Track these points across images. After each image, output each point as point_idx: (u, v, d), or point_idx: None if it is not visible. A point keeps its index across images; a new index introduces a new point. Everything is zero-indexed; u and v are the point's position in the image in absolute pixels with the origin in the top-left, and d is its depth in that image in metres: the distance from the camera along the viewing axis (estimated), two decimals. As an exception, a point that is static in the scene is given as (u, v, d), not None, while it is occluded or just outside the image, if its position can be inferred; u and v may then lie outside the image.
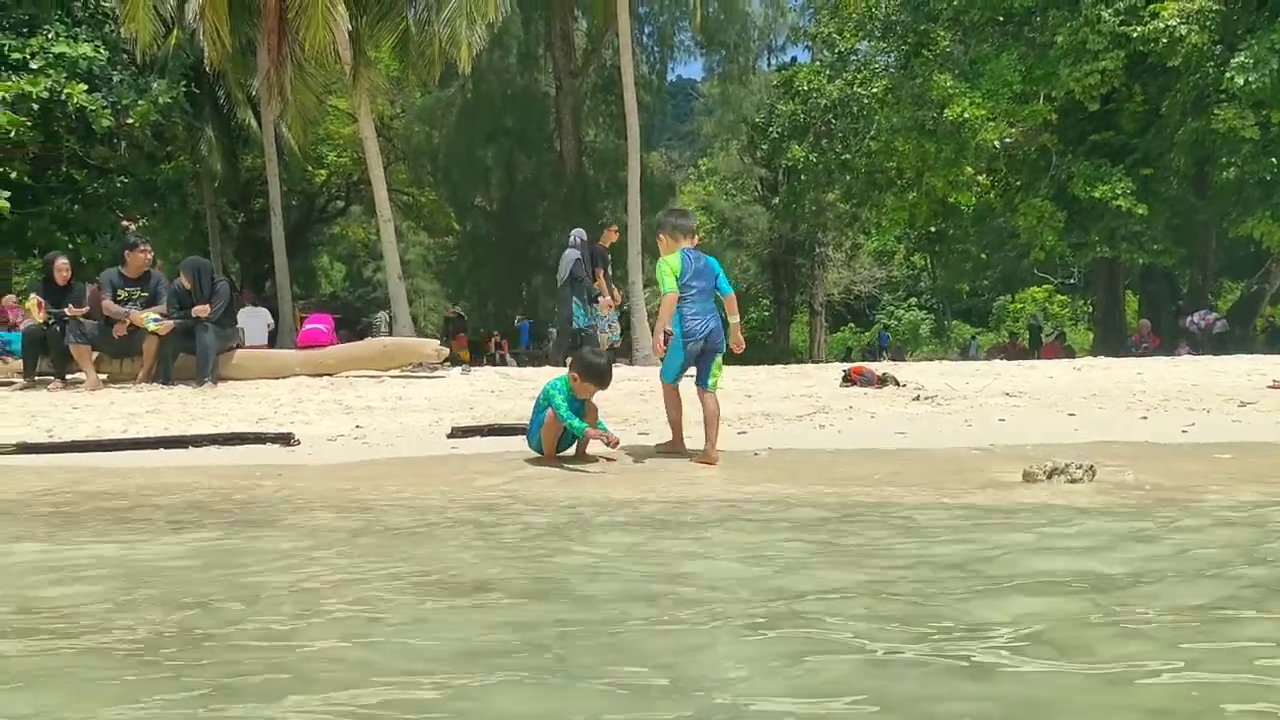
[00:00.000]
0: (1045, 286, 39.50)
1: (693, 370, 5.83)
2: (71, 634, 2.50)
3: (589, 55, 28.98)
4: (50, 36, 16.50)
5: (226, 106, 22.93)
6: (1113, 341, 22.32)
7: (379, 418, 7.67)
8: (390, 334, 19.91)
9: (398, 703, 2.00)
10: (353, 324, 24.44)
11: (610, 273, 14.00)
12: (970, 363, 16.23)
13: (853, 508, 4.05)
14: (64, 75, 16.02)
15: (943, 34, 23.02)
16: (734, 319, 6.02)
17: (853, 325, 45.14)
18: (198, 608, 2.71)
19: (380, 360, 10.98)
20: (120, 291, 10.20)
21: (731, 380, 9.36)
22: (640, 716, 1.88)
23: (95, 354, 10.03)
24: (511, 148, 31.22)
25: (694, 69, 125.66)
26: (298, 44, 17.10)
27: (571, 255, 12.90)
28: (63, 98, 15.85)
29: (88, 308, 10.17)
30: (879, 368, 10.60)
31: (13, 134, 15.43)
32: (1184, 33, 17.98)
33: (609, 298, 13.27)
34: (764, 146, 31.19)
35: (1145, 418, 6.83)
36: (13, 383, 10.22)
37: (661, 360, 5.86)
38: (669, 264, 5.76)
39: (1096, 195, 19.24)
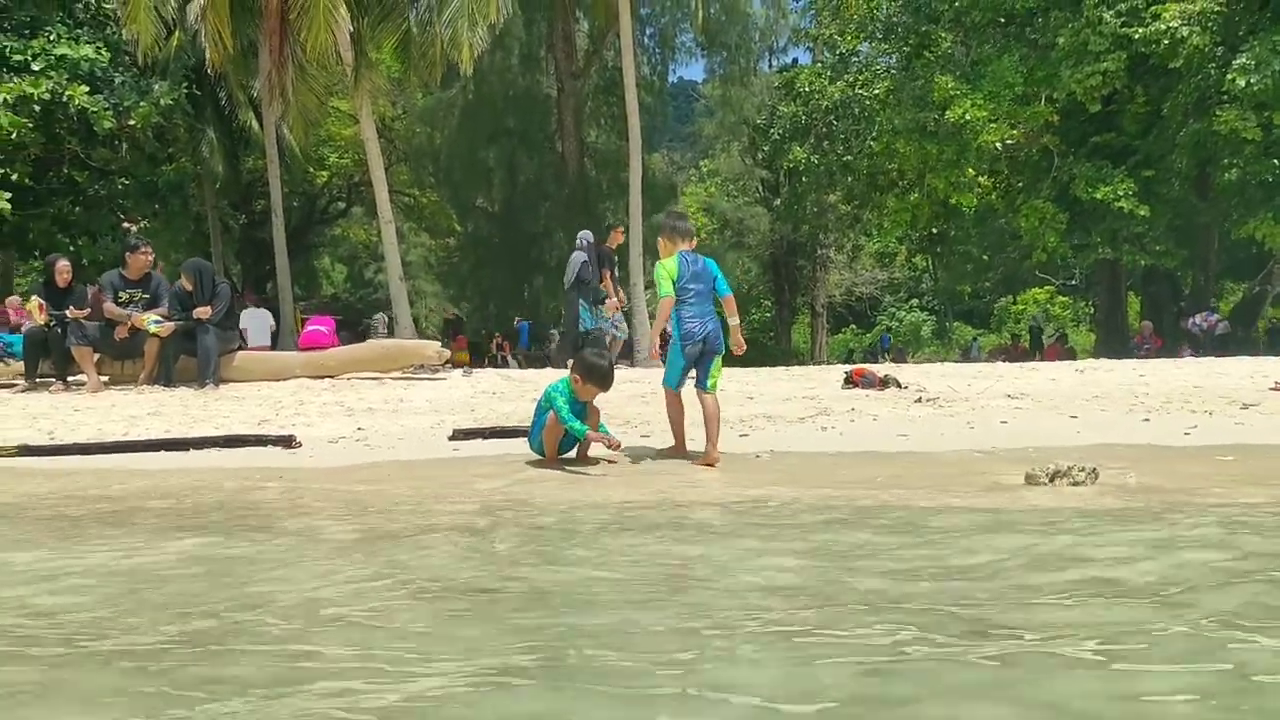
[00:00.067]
0: (1047, 288, 39.47)
1: (693, 372, 5.84)
2: (73, 643, 2.49)
3: (590, 56, 28.99)
4: (52, 38, 16.51)
5: (228, 108, 22.95)
6: (1115, 343, 22.31)
7: (380, 420, 7.67)
8: (388, 335, 19.93)
9: (401, 707, 1.99)
10: (354, 325, 24.45)
11: (617, 274, 13.98)
12: (972, 364, 16.22)
13: (861, 511, 4.03)
14: (66, 77, 16.03)
15: (944, 35, 23.02)
16: (733, 320, 6.03)
17: (854, 327, 45.14)
18: (199, 616, 2.70)
19: (381, 362, 10.98)
20: (121, 293, 10.19)
21: (733, 382, 9.36)
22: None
23: (96, 356, 10.02)
24: (513, 149, 31.21)
25: (695, 70, 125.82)
26: (299, 45, 17.11)
27: (579, 258, 12.88)
28: (64, 99, 15.86)
29: (89, 310, 10.16)
30: (881, 369, 10.58)
31: (14, 135, 15.44)
32: (1186, 34, 17.97)
33: (615, 299, 13.25)
34: (765, 148, 31.18)
35: (1147, 420, 6.82)
36: (14, 385, 10.21)
37: (661, 362, 5.87)
38: (666, 267, 5.77)
39: (1098, 197, 19.22)
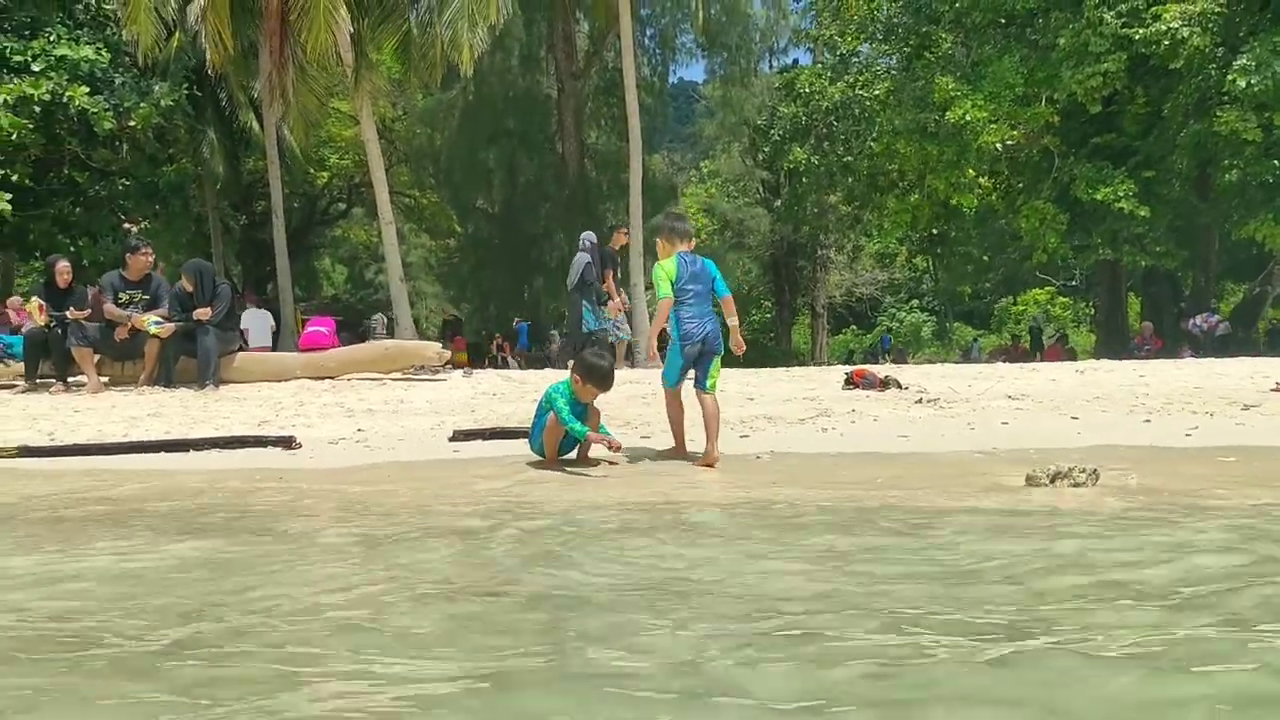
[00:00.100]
0: (1047, 289, 39.48)
1: (693, 373, 5.84)
2: (73, 647, 2.48)
3: (591, 57, 28.99)
4: (52, 39, 16.51)
5: (228, 109, 22.96)
6: (1115, 344, 22.30)
7: (380, 421, 7.66)
8: (387, 336, 19.94)
9: (403, 709, 1.99)
10: (354, 326, 24.46)
11: (620, 276, 13.96)
12: (972, 365, 16.22)
13: (865, 512, 4.02)
14: (66, 78, 16.03)
15: (944, 36, 23.02)
16: (732, 320, 6.04)
17: (854, 327, 45.14)
18: (200, 620, 2.70)
19: (382, 363, 10.97)
20: (121, 294, 10.18)
21: (733, 383, 9.35)
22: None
23: (97, 357, 10.02)
24: (513, 150, 31.22)
25: (696, 71, 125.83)
26: (300, 46, 17.12)
27: (582, 259, 12.86)
28: (64, 100, 15.86)
29: (89, 310, 10.16)
30: (881, 370, 10.58)
31: (14, 136, 15.44)
32: (1186, 35, 17.96)
33: (618, 301, 13.23)
34: (766, 149, 31.18)
35: (1148, 421, 6.81)
36: (14, 386, 10.21)
37: (660, 362, 5.87)
38: (664, 268, 5.78)
39: (1099, 197, 19.22)
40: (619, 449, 5.56)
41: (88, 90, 16.09)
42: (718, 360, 5.87)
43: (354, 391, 9.55)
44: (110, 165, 19.38)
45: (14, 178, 15.97)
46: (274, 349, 16.61)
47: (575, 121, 27.87)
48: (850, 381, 9.40)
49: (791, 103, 27.47)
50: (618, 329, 13.21)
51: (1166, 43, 18.16)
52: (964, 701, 1.96)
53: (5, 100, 15.38)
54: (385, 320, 23.59)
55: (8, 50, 16.11)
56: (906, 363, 26.23)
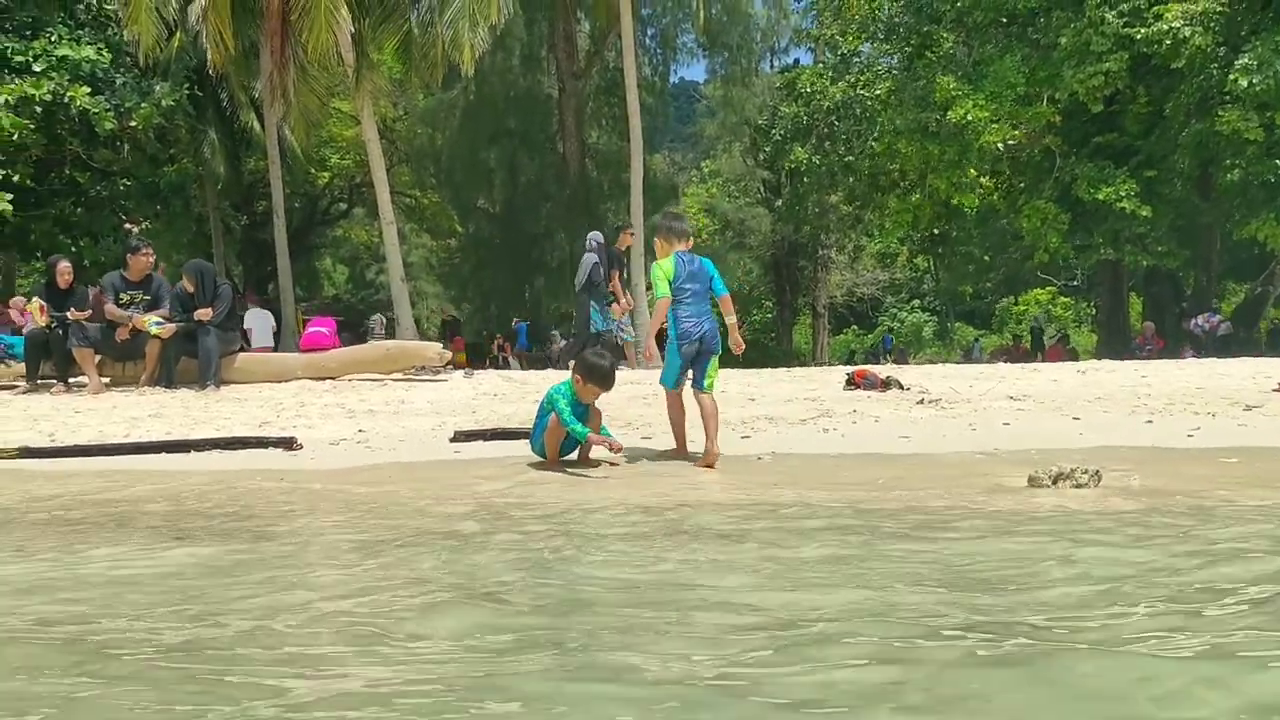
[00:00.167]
0: (1049, 289, 39.47)
1: (691, 374, 5.84)
2: (74, 651, 2.47)
3: (592, 57, 28.99)
4: (53, 39, 16.52)
5: (229, 109, 22.97)
6: (1116, 344, 22.28)
7: (381, 421, 7.66)
8: (385, 336, 19.95)
9: (405, 711, 1.98)
10: (355, 327, 24.48)
11: (626, 276, 13.94)
12: (974, 366, 16.21)
13: (865, 514, 4.01)
14: (67, 78, 16.03)
15: (946, 36, 23.01)
16: (731, 319, 6.04)
17: (856, 328, 45.14)
18: (202, 623, 2.69)
19: (383, 363, 10.97)
20: (122, 295, 10.18)
21: (734, 383, 9.35)
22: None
23: (98, 357, 10.01)
24: (514, 149, 31.23)
25: (697, 71, 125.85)
26: (301, 46, 17.12)
27: (589, 259, 12.86)
28: (66, 100, 15.87)
29: (90, 311, 10.15)
30: (883, 370, 10.57)
31: (15, 137, 15.44)
32: (1188, 34, 17.95)
33: (624, 302, 13.20)
34: (767, 148, 31.19)
35: (1150, 421, 6.80)
36: (15, 386, 10.21)
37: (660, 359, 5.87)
38: (662, 268, 5.79)
39: (1100, 197, 19.21)
40: (620, 450, 5.56)
41: (89, 90, 16.10)
42: (715, 360, 5.87)
43: (355, 392, 9.55)
44: (111, 165, 19.38)
45: (15, 178, 15.96)
46: (275, 349, 16.61)
47: (576, 121, 27.88)
48: (851, 382, 9.39)
49: (793, 102, 27.47)
50: (622, 330, 13.19)
51: (1168, 42, 18.15)
52: (973, 704, 1.95)
53: (6, 100, 15.39)
54: (383, 320, 23.62)
55: (9, 50, 16.12)
56: (908, 363, 26.22)
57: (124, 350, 10.15)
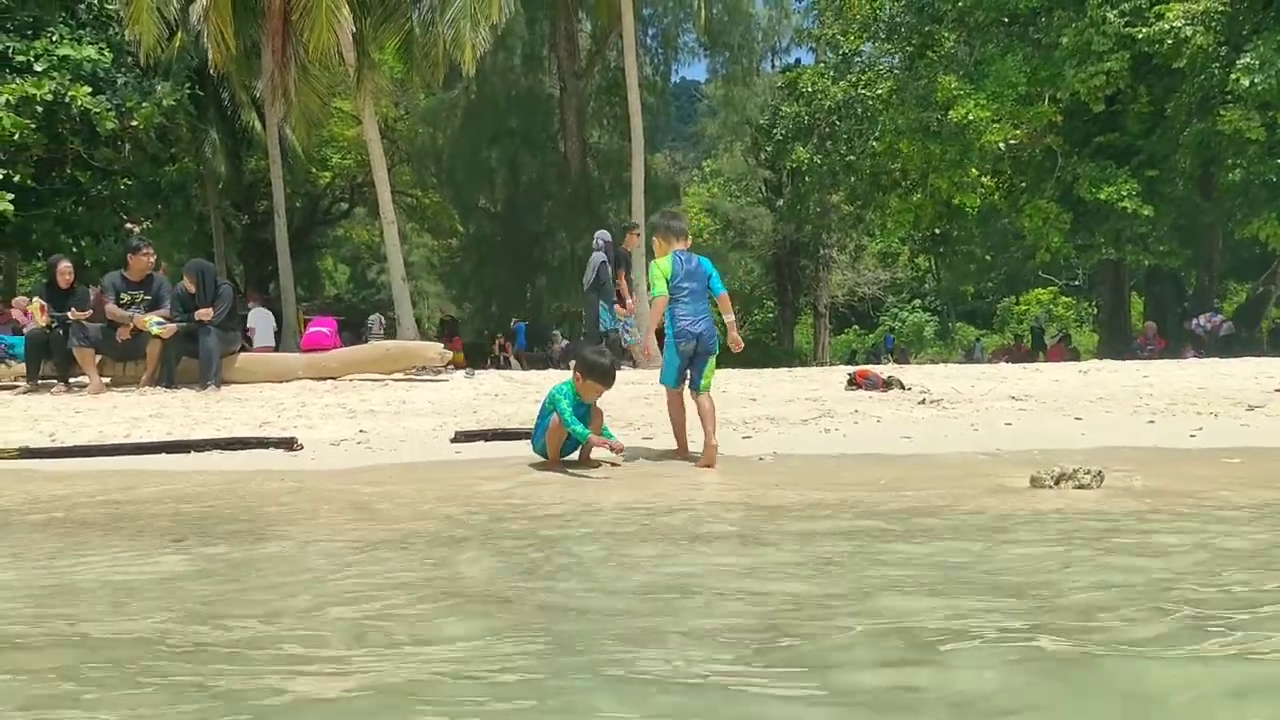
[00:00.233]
0: (1050, 288, 39.44)
1: (689, 375, 5.84)
2: (75, 654, 2.47)
3: (593, 56, 28.99)
4: (54, 39, 16.52)
5: (231, 109, 22.98)
6: (1118, 344, 22.26)
7: (382, 422, 7.65)
8: (383, 337, 19.95)
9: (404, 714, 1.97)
10: (356, 327, 24.47)
11: (632, 277, 13.92)
12: (975, 365, 16.19)
13: (866, 515, 4.00)
14: (68, 78, 16.04)
15: (947, 35, 22.99)
16: (729, 317, 6.04)
17: (857, 327, 45.14)
18: (203, 626, 2.68)
19: (384, 364, 10.96)
20: (123, 295, 10.17)
21: (736, 384, 9.34)
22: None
23: (98, 357, 10.01)
24: (515, 149, 31.21)
25: (698, 70, 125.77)
26: (302, 46, 17.13)
27: (597, 258, 12.85)
28: (67, 100, 15.87)
29: (90, 311, 10.15)
30: (884, 370, 10.55)
31: (17, 136, 15.44)
32: (1189, 34, 17.92)
33: (630, 302, 13.18)
34: (768, 148, 31.15)
35: (1152, 422, 6.79)
36: (16, 386, 10.21)
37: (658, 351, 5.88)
38: (660, 266, 5.81)
39: (1102, 197, 19.18)
40: (621, 451, 5.56)
41: (90, 90, 16.10)
42: (712, 361, 5.88)
43: (356, 392, 9.54)
44: (112, 165, 19.38)
45: (16, 178, 15.97)
46: (276, 349, 16.60)
47: (577, 120, 27.87)
48: (853, 382, 9.37)
49: (794, 102, 27.44)
50: (627, 331, 13.17)
51: (1170, 41, 18.12)
52: (984, 707, 1.94)
53: (8, 100, 15.39)
54: (382, 320, 23.63)
55: (10, 50, 16.12)
56: (909, 363, 26.21)
57: (125, 350, 10.14)
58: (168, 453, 6.36)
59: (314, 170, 27.75)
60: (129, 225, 18.32)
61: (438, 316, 34.86)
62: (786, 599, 2.76)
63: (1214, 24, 18.25)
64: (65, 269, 10.47)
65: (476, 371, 12.61)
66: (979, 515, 3.92)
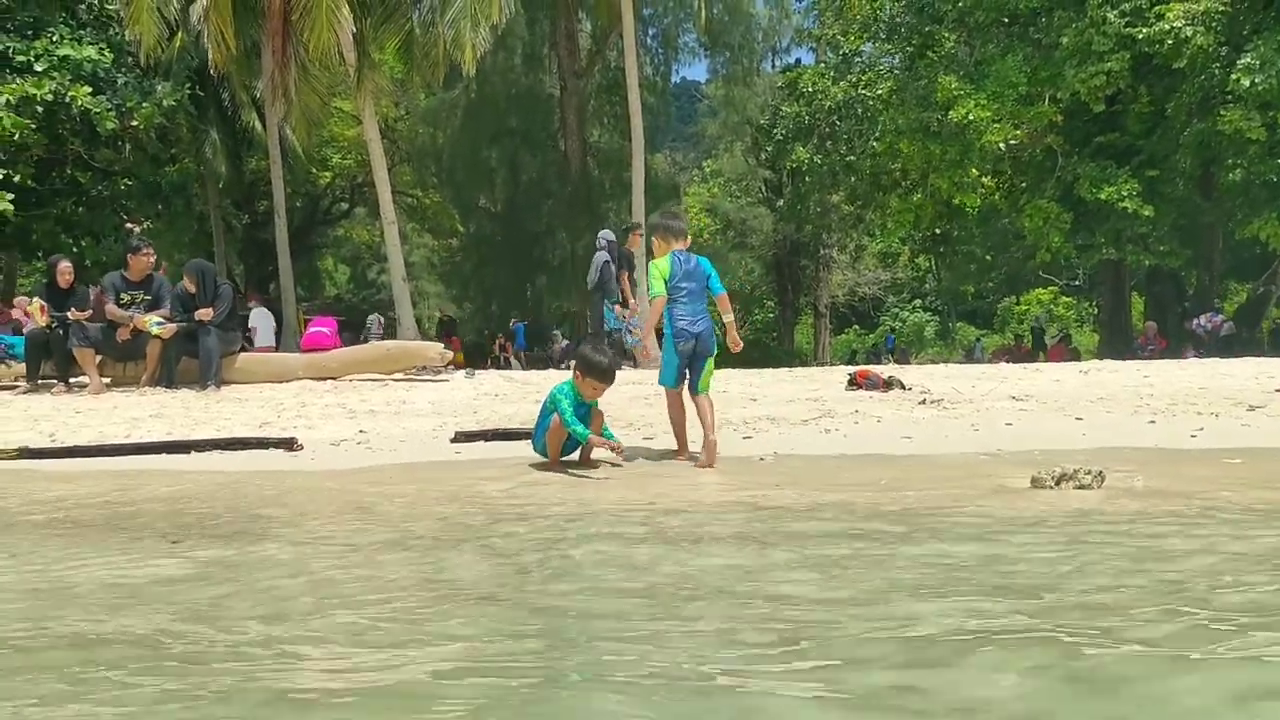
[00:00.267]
0: (1050, 288, 39.43)
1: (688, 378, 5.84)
2: (75, 657, 2.46)
3: (593, 56, 28.99)
4: (55, 39, 16.52)
5: (231, 109, 22.99)
6: (1119, 344, 22.25)
7: (382, 422, 7.65)
8: (382, 337, 19.95)
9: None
10: (356, 327, 24.48)
11: (635, 277, 13.93)
12: (976, 366, 16.19)
13: (867, 516, 3.99)
14: (68, 78, 16.04)
15: (947, 35, 22.99)
16: (728, 317, 6.04)
17: (857, 327, 45.13)
18: (204, 629, 2.68)
19: (384, 364, 10.96)
20: (123, 295, 10.18)
21: (736, 384, 9.34)
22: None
23: (98, 358, 10.01)
24: (516, 149, 31.23)
25: (698, 70, 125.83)
26: (302, 46, 17.14)
27: (600, 258, 12.85)
28: (67, 100, 15.87)
29: (90, 311, 10.15)
30: (884, 371, 10.55)
31: (17, 136, 15.45)
32: (1190, 34, 17.92)
33: (632, 303, 13.18)
34: (768, 148, 31.15)
35: (1153, 422, 6.78)
36: (16, 386, 10.20)
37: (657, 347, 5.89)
38: (658, 266, 5.80)
39: (1102, 197, 19.18)
40: (622, 452, 5.55)
41: (90, 90, 16.11)
42: (710, 363, 5.87)
43: (356, 392, 9.54)
44: (113, 165, 19.39)
45: (17, 178, 15.97)
46: (277, 349, 16.61)
47: (578, 120, 27.87)
48: (853, 382, 9.37)
49: (794, 102, 27.44)
50: (629, 333, 13.17)
51: (1170, 42, 18.11)
52: (999, 712, 1.93)
53: (8, 100, 15.39)
54: (380, 320, 23.64)
55: (10, 50, 16.13)
56: (909, 363, 26.22)
57: (125, 350, 10.14)
58: (168, 453, 6.36)
59: (314, 170, 27.76)
60: (129, 225, 18.31)
61: (437, 316, 34.90)
62: (789, 600, 2.75)
63: (1214, 24, 18.25)
64: (65, 269, 10.47)
65: (477, 372, 12.61)
66: (980, 516, 3.91)
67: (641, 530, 3.83)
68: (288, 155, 21.52)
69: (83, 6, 18.90)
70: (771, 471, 5.35)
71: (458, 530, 3.91)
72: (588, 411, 5.61)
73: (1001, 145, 20.14)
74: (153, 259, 10.72)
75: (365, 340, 18.94)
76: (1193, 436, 6.10)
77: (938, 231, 26.73)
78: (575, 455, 5.77)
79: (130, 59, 18.07)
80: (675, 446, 5.90)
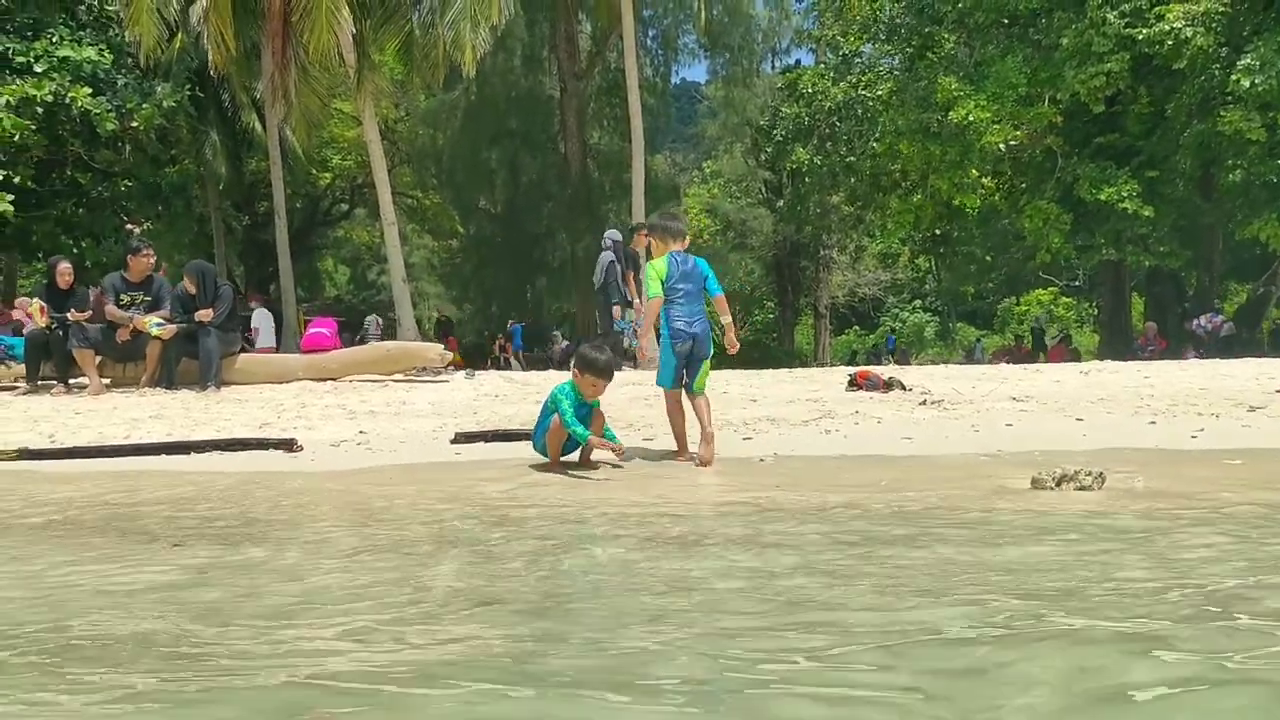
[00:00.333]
0: (1050, 289, 39.44)
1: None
2: (76, 658, 2.46)
3: (593, 57, 28.99)
4: (55, 40, 16.52)
5: (231, 110, 22.99)
6: (1119, 344, 22.25)
7: (382, 423, 7.64)
8: (380, 338, 19.97)
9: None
10: (357, 328, 24.51)
11: (639, 277, 13.93)
12: (976, 366, 16.18)
13: (867, 517, 3.98)
14: (68, 79, 16.03)
15: (947, 36, 22.99)
16: (725, 319, 6.03)
17: (857, 328, 45.13)
18: (205, 631, 2.67)
19: (384, 364, 10.96)
20: (123, 296, 10.17)
21: (736, 384, 9.34)
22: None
23: (98, 358, 10.01)
24: (516, 150, 31.25)
25: (698, 71, 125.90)
26: (302, 47, 17.14)
27: (606, 258, 12.85)
28: (67, 101, 15.87)
29: (90, 312, 10.15)
30: (885, 371, 10.54)
31: (17, 137, 15.44)
32: (1190, 35, 17.92)
33: (637, 304, 13.17)
34: (768, 149, 31.17)
35: (1154, 423, 6.77)
36: (16, 387, 10.20)
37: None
38: (655, 267, 5.80)
39: (1102, 197, 19.17)
40: (622, 453, 5.55)
41: (90, 91, 16.10)
42: (706, 364, 5.88)
43: (356, 393, 9.53)
44: (113, 166, 19.39)
45: (16, 179, 15.96)
46: (277, 350, 16.61)
47: (578, 121, 27.88)
48: (854, 383, 9.36)
49: (794, 103, 27.45)
50: (632, 331, 13.17)
51: (1170, 43, 18.11)
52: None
53: (8, 101, 15.39)
54: (379, 322, 23.66)
55: (10, 51, 16.12)
56: (909, 363, 26.22)
57: (124, 351, 10.14)
58: (167, 454, 6.35)
59: (314, 171, 27.76)
60: (129, 226, 18.33)
61: (434, 316, 34.93)
62: (790, 602, 2.75)
63: (1214, 25, 18.25)
64: (65, 270, 10.46)
65: (477, 372, 12.61)
66: (981, 517, 3.91)
67: (642, 532, 3.83)
68: (288, 156, 21.53)
69: (82, 7, 18.90)
70: (772, 472, 5.35)
71: (457, 532, 3.90)
72: (589, 412, 5.60)
73: (1001, 146, 20.13)
74: (152, 260, 10.72)
75: (363, 341, 18.96)
76: (1193, 437, 6.10)
77: (938, 232, 26.74)
78: (575, 455, 5.76)
79: (130, 60, 18.07)
80: (675, 448, 5.90)
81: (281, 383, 10.22)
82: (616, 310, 13.00)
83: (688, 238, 6.06)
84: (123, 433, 7.21)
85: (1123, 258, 21.28)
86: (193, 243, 24.09)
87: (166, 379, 9.94)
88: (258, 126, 21.91)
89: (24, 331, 11.51)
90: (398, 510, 4.42)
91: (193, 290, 10.18)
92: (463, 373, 11.76)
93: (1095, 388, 9.07)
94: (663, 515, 4.16)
